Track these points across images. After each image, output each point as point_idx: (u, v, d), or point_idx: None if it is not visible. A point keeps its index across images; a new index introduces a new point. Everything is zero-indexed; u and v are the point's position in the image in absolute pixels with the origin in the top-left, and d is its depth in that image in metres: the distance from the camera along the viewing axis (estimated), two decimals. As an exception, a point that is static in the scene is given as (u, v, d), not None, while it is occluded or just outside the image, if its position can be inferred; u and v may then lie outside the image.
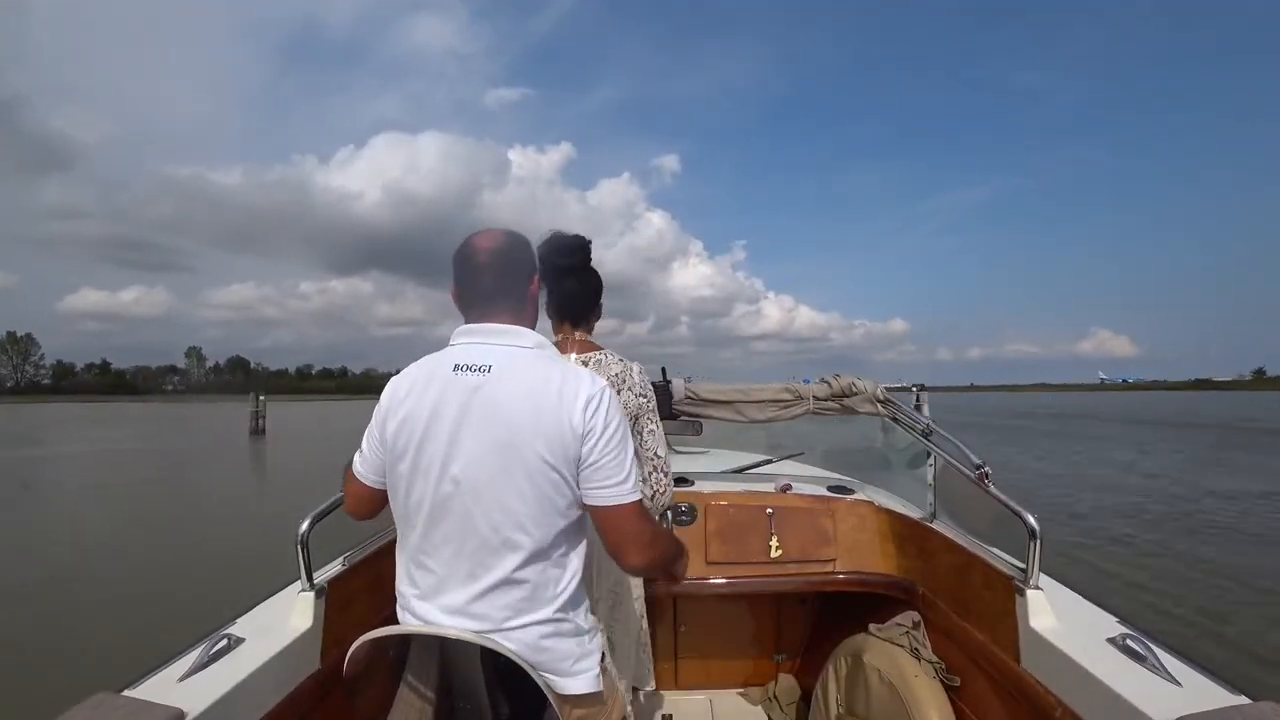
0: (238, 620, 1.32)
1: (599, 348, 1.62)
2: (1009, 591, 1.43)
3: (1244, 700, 1.00)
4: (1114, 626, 1.28)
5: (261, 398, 30.12)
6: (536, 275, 1.17)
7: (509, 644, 0.98)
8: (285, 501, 11.11)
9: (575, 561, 1.07)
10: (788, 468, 2.88)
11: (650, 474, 1.59)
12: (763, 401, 2.27)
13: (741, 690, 2.51)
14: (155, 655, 1.15)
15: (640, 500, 1.04)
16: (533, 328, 1.12)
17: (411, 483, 1.03)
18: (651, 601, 1.87)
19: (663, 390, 2.16)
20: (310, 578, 1.39)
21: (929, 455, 2.02)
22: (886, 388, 2.16)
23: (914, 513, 2.07)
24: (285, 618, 1.34)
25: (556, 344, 1.60)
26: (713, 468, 2.76)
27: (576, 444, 0.99)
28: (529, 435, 0.97)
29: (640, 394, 1.60)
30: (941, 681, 1.66)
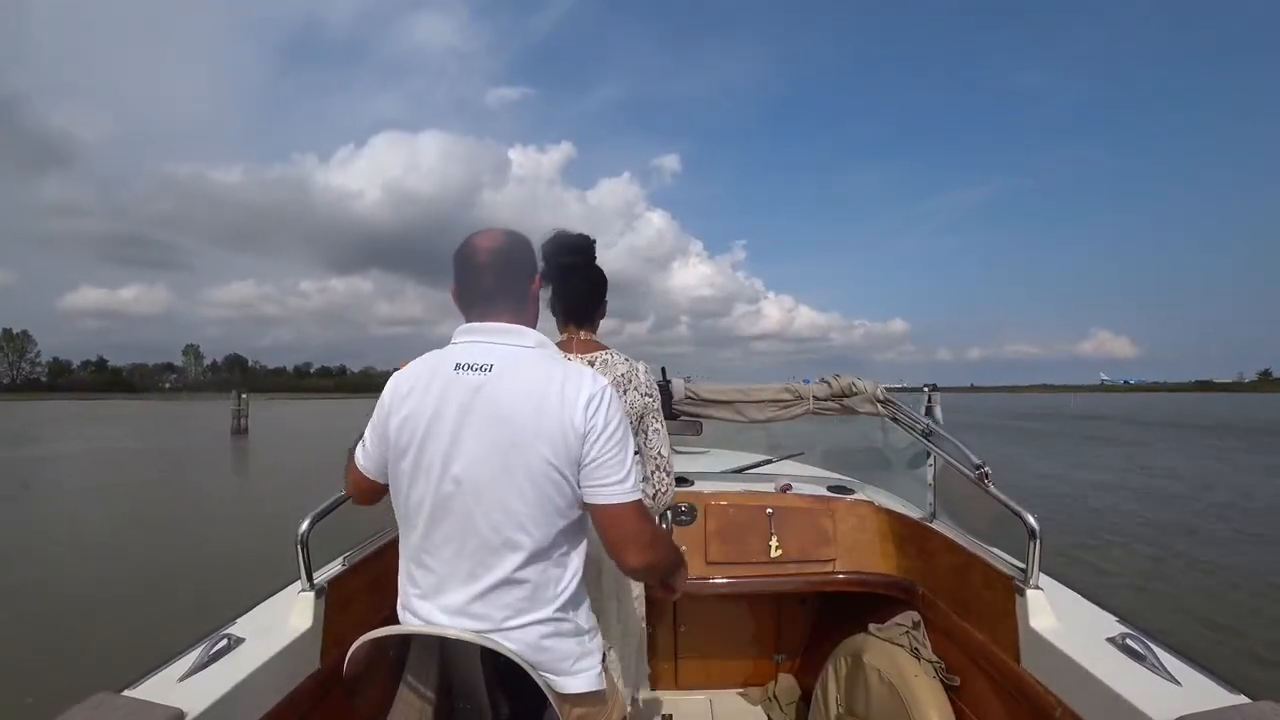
0: (238, 620, 1.32)
1: (604, 347, 1.62)
2: (1009, 591, 1.43)
3: (1243, 700, 1.01)
4: (1114, 626, 1.29)
5: (243, 396, 29.06)
6: (537, 275, 1.17)
7: (509, 644, 0.98)
8: (262, 501, 11.09)
9: (576, 561, 1.07)
10: (788, 468, 2.88)
11: (653, 473, 1.59)
12: (763, 401, 2.27)
13: (741, 690, 2.51)
14: (155, 655, 1.15)
15: (640, 500, 1.04)
16: (533, 327, 1.12)
17: (413, 482, 1.03)
18: (652, 601, 1.87)
19: (663, 390, 2.16)
20: (310, 577, 1.39)
21: (929, 455, 2.02)
22: (887, 388, 2.16)
23: (914, 513, 2.07)
24: (285, 618, 1.34)
25: (561, 343, 1.60)
26: (713, 468, 2.76)
27: (578, 444, 0.99)
28: (530, 435, 0.97)
29: (646, 393, 1.59)
30: (941, 681, 1.66)
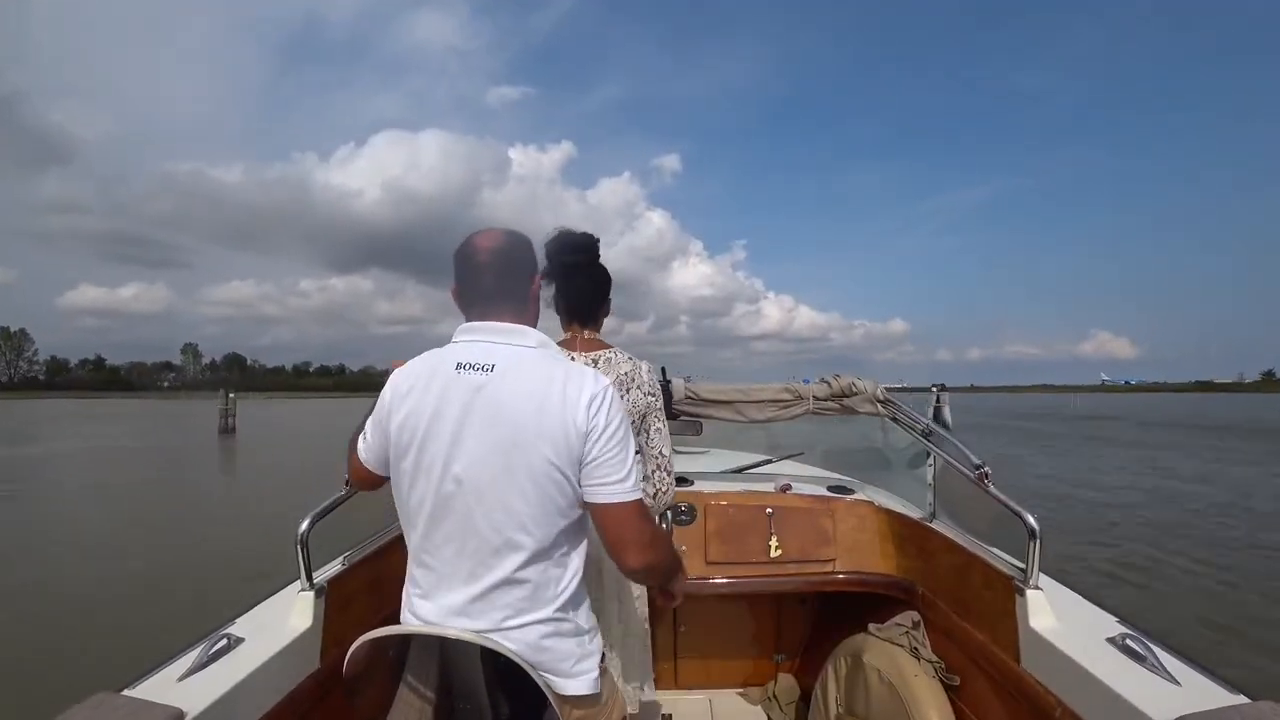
0: (237, 620, 1.31)
1: (607, 346, 1.62)
2: (1009, 591, 1.43)
3: (1243, 700, 1.01)
4: (1114, 626, 1.29)
5: (231, 395, 27.95)
6: (538, 275, 1.17)
7: (509, 644, 0.98)
8: (245, 503, 10.97)
9: (576, 561, 1.07)
10: (788, 468, 2.88)
11: (653, 472, 1.59)
12: (763, 401, 2.27)
13: (741, 690, 2.51)
14: (155, 655, 1.15)
15: (641, 500, 1.04)
16: (534, 327, 1.12)
17: (414, 481, 1.03)
18: (651, 601, 1.87)
19: (663, 390, 2.16)
20: (310, 577, 1.39)
21: (929, 455, 2.02)
22: (887, 388, 2.16)
23: (914, 513, 2.07)
24: (285, 617, 1.33)
25: (565, 341, 1.60)
26: (713, 467, 2.76)
27: (580, 444, 0.99)
28: (532, 435, 0.97)
29: (649, 392, 1.59)
30: (941, 681, 1.66)
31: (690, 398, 2.26)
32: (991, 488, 1.59)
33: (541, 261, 1.41)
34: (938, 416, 2.03)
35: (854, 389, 2.17)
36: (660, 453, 1.60)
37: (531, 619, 1.01)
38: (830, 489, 2.38)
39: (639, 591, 1.71)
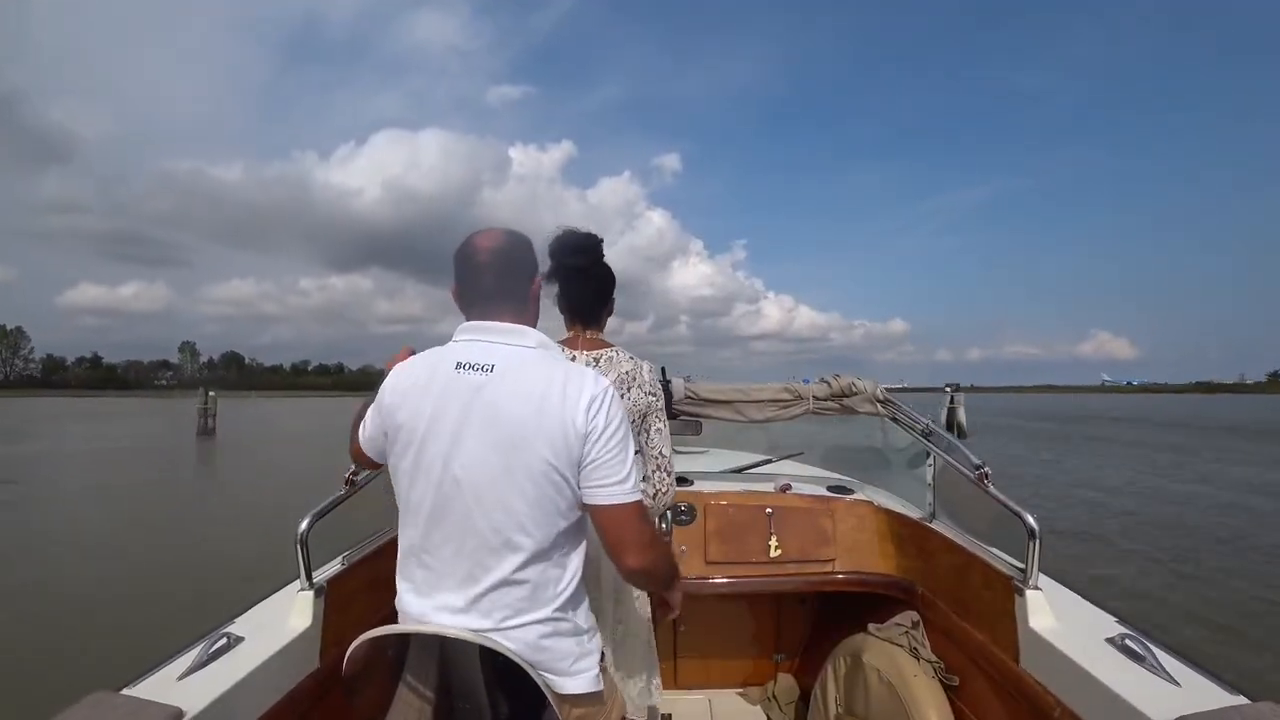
0: (237, 619, 1.31)
1: (609, 345, 1.62)
2: (1008, 591, 1.43)
3: (1243, 700, 1.01)
4: (1113, 626, 1.29)
5: (210, 394, 26.02)
6: (538, 275, 1.17)
7: (508, 643, 0.98)
8: (214, 512, 10.56)
9: (575, 561, 1.07)
10: (787, 468, 2.88)
11: (653, 472, 1.59)
12: (762, 401, 2.27)
13: (741, 690, 2.51)
14: (154, 655, 1.15)
15: (640, 501, 1.04)
16: (534, 327, 1.12)
17: (413, 481, 1.03)
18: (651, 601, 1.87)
19: (663, 390, 2.16)
20: (309, 577, 1.39)
21: (928, 455, 2.02)
22: (887, 388, 2.16)
23: (913, 513, 2.07)
24: (284, 617, 1.33)
25: (567, 341, 1.60)
26: (712, 467, 2.75)
27: (579, 445, 0.99)
28: (532, 436, 0.97)
29: (650, 392, 1.59)
30: (941, 681, 1.66)
31: (690, 397, 2.26)
32: (991, 488, 1.59)
33: (544, 261, 1.40)
34: (951, 418, 2.02)
35: (854, 389, 2.17)
36: (660, 453, 1.60)
37: (530, 619, 1.01)
38: (830, 489, 2.38)
39: (639, 591, 1.71)
